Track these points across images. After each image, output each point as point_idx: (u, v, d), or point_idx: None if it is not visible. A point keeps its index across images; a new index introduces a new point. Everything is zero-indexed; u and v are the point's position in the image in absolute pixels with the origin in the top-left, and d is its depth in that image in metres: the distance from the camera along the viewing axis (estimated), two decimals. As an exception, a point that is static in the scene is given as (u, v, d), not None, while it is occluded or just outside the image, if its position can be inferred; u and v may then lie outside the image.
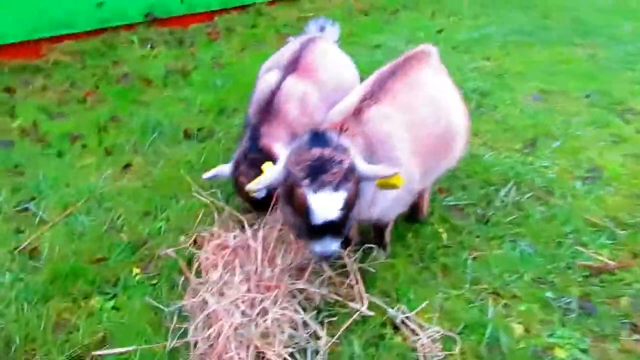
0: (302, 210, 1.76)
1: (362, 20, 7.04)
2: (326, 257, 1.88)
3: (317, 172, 1.74)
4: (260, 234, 2.15)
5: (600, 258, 2.40)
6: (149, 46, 5.79)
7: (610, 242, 2.52)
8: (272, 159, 2.36)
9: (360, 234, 2.54)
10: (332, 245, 1.82)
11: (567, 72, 4.90)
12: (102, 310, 2.28)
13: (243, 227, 2.35)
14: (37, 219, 2.89)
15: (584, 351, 1.95)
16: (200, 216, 2.76)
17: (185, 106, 4.31)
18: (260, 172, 2.36)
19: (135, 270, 2.50)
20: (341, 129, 1.94)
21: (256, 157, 2.39)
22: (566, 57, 5.34)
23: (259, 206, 2.41)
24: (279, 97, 2.43)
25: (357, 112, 2.01)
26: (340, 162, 1.76)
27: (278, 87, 2.46)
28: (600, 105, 4.09)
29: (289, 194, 1.82)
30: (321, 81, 2.59)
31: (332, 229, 1.79)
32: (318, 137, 1.86)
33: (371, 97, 2.06)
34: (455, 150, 2.34)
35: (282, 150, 2.37)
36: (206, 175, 2.50)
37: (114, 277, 2.48)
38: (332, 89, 2.60)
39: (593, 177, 3.06)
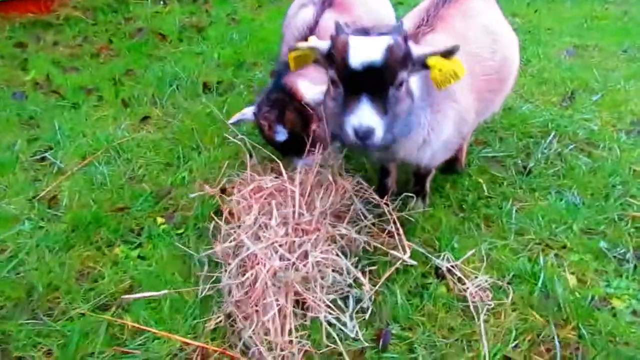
0: (341, 57, 1.56)
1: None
2: (363, 138, 1.57)
3: (364, 30, 1.62)
4: (298, 177, 2.00)
5: (653, 210, 2.26)
6: (161, 3, 5.61)
7: (661, 193, 2.37)
8: (296, 98, 2.22)
9: (398, 184, 2.41)
10: (370, 117, 1.55)
11: (600, 29, 4.66)
12: (128, 258, 2.18)
13: (276, 173, 2.21)
14: (55, 169, 2.78)
15: (643, 302, 1.83)
16: (224, 167, 2.62)
17: (203, 60, 4.14)
18: (282, 113, 2.23)
19: (160, 220, 2.39)
20: None
21: (278, 96, 2.26)
22: (599, 13, 5.09)
23: (282, 149, 2.28)
24: (317, 33, 2.26)
25: (413, 38, 1.83)
26: (398, 25, 1.62)
27: (316, 22, 2.29)
28: (639, 60, 3.88)
29: (331, 58, 1.63)
30: (358, 17, 2.41)
31: (372, 84, 1.56)
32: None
33: (426, 24, 1.88)
34: (506, 91, 2.17)
35: (307, 87, 2.22)
36: (231, 119, 2.37)
37: (138, 227, 2.37)
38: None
39: (638, 130, 2.88)
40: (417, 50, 1.65)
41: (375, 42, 1.55)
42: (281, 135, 2.27)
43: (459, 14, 1.97)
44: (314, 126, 2.26)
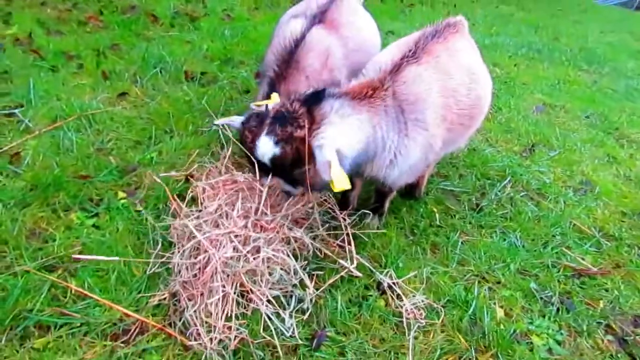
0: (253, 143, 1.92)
1: (378, 6, 6.99)
2: (285, 193, 2.01)
3: (279, 121, 1.82)
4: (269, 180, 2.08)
5: (584, 262, 2.44)
6: (159, -15, 5.62)
7: (594, 249, 2.56)
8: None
9: (359, 200, 2.52)
10: (285, 186, 1.95)
11: (570, 92, 4.98)
12: (82, 225, 2.19)
13: (247, 169, 2.27)
14: (23, 126, 2.75)
15: (559, 342, 1.98)
16: (194, 155, 2.68)
17: (191, 49, 4.18)
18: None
19: (121, 194, 2.41)
20: (377, 87, 1.92)
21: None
22: (572, 78, 5.43)
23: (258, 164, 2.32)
24: (302, 47, 2.35)
25: (396, 70, 1.96)
26: (292, 130, 1.80)
27: (303, 36, 2.37)
28: (599, 127, 4.18)
29: None
30: (346, 38, 2.51)
31: (275, 173, 1.90)
32: (314, 95, 1.88)
33: (413, 55, 2.02)
34: (475, 127, 2.33)
35: None
36: (219, 121, 2.41)
37: (98, 197, 2.38)
38: (354, 48, 2.53)
39: (585, 190, 3.11)
40: (320, 155, 1.77)
41: (265, 150, 1.83)
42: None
43: (445, 50, 2.12)
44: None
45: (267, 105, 1.94)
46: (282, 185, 1.96)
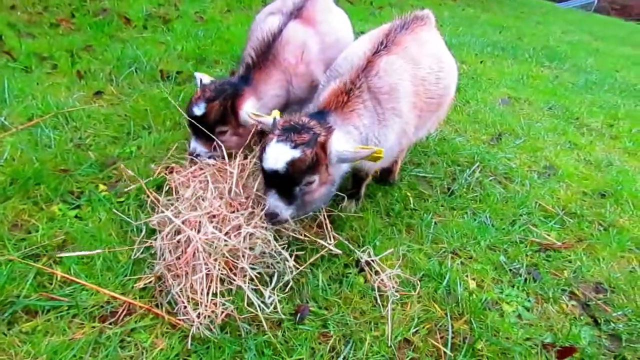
0: (261, 153, 1.88)
1: (348, 8, 7.15)
2: (269, 215, 1.90)
3: (291, 131, 1.86)
4: (237, 161, 2.16)
5: (549, 238, 2.59)
6: (130, -11, 5.63)
7: (558, 226, 2.72)
8: (235, 102, 2.33)
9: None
10: (276, 205, 1.88)
11: (534, 86, 5.21)
12: (65, 217, 2.21)
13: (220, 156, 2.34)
14: (-1, 125, 2.75)
15: (527, 309, 2.11)
16: (172, 149, 2.73)
17: (165, 49, 4.22)
18: (214, 98, 2.32)
19: (102, 187, 2.44)
20: (350, 89, 2.03)
21: (229, 89, 2.33)
22: (534, 73, 5.68)
23: (191, 122, 2.33)
24: (280, 40, 2.44)
25: (369, 64, 2.07)
26: (316, 134, 1.86)
27: (280, 30, 2.47)
28: (560, 117, 4.40)
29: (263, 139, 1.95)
30: (322, 33, 2.61)
31: (279, 184, 1.86)
32: (317, 114, 1.99)
33: (384, 48, 2.13)
34: (442, 112, 2.46)
35: (251, 106, 2.35)
36: (197, 73, 2.47)
37: (79, 190, 2.41)
38: (330, 44, 2.63)
39: (549, 173, 3.28)
40: (343, 153, 1.90)
41: (285, 154, 1.81)
42: (197, 110, 2.30)
43: (413, 41, 2.23)
44: (224, 129, 2.35)
45: (274, 119, 1.97)
46: (273, 202, 1.89)
